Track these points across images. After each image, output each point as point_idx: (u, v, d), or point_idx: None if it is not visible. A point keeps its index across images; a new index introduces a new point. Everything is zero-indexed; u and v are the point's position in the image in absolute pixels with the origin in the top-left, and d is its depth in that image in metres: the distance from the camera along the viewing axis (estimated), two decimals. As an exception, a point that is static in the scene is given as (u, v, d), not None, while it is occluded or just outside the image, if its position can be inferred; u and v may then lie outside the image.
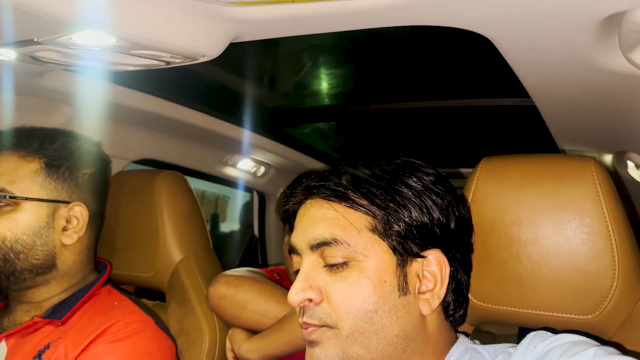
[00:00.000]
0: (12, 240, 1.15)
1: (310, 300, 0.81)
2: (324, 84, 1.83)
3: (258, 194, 2.74)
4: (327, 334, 0.80)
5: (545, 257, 0.94)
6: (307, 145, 2.45)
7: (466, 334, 0.93)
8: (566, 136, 1.53)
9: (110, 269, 1.31)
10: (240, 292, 1.32)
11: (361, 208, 0.80)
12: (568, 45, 0.86)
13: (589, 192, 0.91)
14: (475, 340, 0.89)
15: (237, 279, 1.35)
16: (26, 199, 1.17)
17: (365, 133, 2.37)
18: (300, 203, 0.88)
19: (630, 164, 1.55)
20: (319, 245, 0.81)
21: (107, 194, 1.36)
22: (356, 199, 0.81)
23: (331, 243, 0.80)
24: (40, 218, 1.18)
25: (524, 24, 0.81)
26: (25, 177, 1.18)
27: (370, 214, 0.80)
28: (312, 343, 0.81)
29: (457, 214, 0.86)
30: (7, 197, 1.15)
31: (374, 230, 0.80)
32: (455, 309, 0.87)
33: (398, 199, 0.81)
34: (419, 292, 0.82)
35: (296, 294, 0.81)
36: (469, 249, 0.92)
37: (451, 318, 0.87)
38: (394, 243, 0.80)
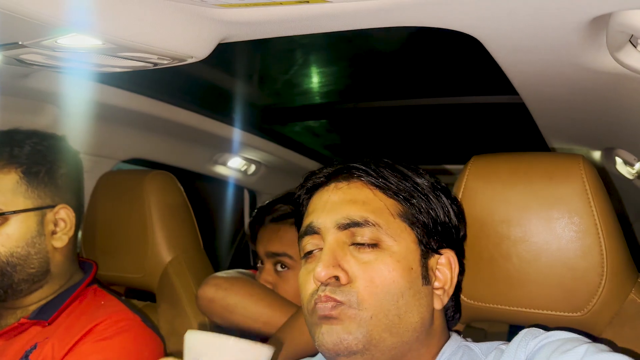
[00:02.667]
0: (7, 255, 1.15)
1: (337, 279, 0.79)
2: (314, 82, 1.82)
3: (249, 192, 2.73)
4: (349, 312, 0.78)
5: (534, 255, 0.94)
6: (297, 143, 2.44)
7: (459, 332, 0.94)
8: (555, 134, 1.54)
9: (96, 269, 1.31)
10: (229, 295, 1.30)
11: (392, 194, 0.83)
12: (556, 45, 0.86)
13: (578, 190, 0.92)
14: (467, 338, 0.90)
15: (226, 282, 1.33)
16: (14, 212, 1.15)
17: (356, 130, 2.38)
18: (320, 186, 0.88)
19: (618, 160, 1.56)
20: (348, 226, 0.81)
21: (83, 187, 1.35)
22: (386, 184, 0.84)
23: (362, 224, 0.81)
24: (31, 228, 1.18)
25: (512, 25, 0.81)
26: (7, 190, 1.17)
27: (401, 201, 0.84)
28: (331, 319, 0.78)
29: (465, 224, 0.93)
30: None
31: (404, 217, 0.83)
32: (454, 312, 0.92)
33: (424, 194, 0.85)
34: (433, 288, 0.85)
35: (325, 268, 0.79)
36: (464, 254, 0.97)
37: (449, 316, 0.91)
38: (420, 235, 0.84)
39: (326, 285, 0.79)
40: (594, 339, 0.91)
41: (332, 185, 0.86)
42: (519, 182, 0.97)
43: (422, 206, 0.85)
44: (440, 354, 0.85)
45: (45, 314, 1.17)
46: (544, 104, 1.25)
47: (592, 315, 0.92)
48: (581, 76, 0.99)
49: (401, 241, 0.81)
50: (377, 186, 0.84)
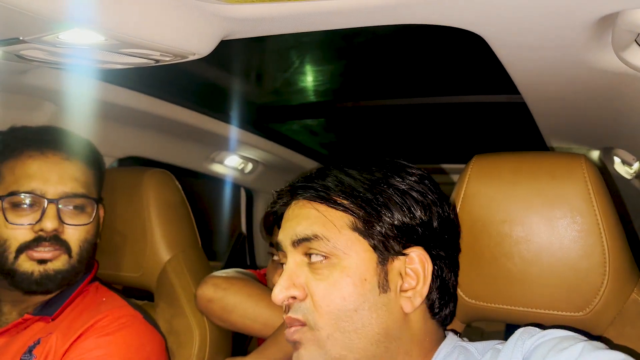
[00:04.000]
0: (87, 241, 1.23)
1: (295, 298, 0.82)
2: (312, 80, 1.82)
3: (246, 191, 2.72)
4: (308, 335, 0.80)
5: (536, 254, 0.94)
6: (295, 142, 2.43)
7: (456, 332, 0.94)
8: (554, 133, 1.54)
9: (97, 267, 1.32)
10: (228, 296, 1.30)
11: (342, 207, 0.82)
12: (561, 44, 0.86)
13: (580, 189, 0.92)
14: (464, 338, 0.89)
15: (225, 282, 1.32)
16: (99, 200, 1.29)
17: (355, 129, 2.37)
18: (287, 204, 0.90)
19: (616, 160, 1.56)
20: (300, 241, 0.83)
21: None
22: (338, 199, 0.83)
23: (311, 239, 0.82)
24: (97, 220, 1.28)
25: (518, 23, 0.81)
26: (92, 183, 1.27)
27: (351, 213, 0.82)
28: (296, 344, 0.82)
29: (440, 212, 0.87)
30: (93, 200, 1.25)
31: (354, 228, 0.82)
32: (441, 307, 0.87)
33: (380, 199, 0.82)
34: (402, 290, 0.82)
35: (280, 292, 0.82)
36: (454, 248, 0.92)
37: (437, 316, 0.87)
38: (375, 242, 0.81)
39: (287, 308, 0.83)
40: (595, 338, 0.92)
41: (293, 203, 0.88)
42: (520, 181, 0.97)
43: (377, 213, 0.82)
44: (435, 356, 0.84)
45: (50, 310, 1.18)
46: (545, 103, 1.25)
47: (594, 315, 0.92)
48: (584, 75, 0.99)
49: (352, 253, 0.81)
50: (324, 203, 0.84)
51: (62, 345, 1.12)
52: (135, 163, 1.91)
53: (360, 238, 0.82)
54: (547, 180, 0.95)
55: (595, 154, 1.64)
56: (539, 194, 0.95)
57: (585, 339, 0.72)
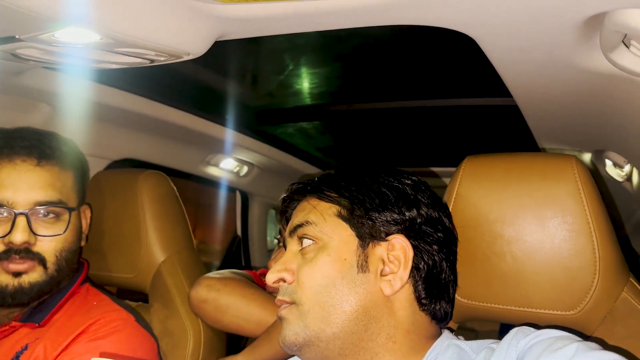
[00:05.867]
0: (65, 250, 1.18)
1: (284, 281, 0.88)
2: (307, 83, 1.82)
3: (241, 194, 2.72)
4: (293, 310, 0.85)
5: (528, 254, 0.95)
6: (290, 145, 2.44)
7: (452, 330, 0.94)
8: (546, 135, 1.55)
9: (87, 268, 1.31)
10: (222, 296, 1.30)
11: (329, 198, 0.90)
12: (551, 45, 0.87)
13: (571, 190, 0.93)
14: (459, 337, 0.90)
15: (219, 282, 1.33)
16: (73, 209, 1.21)
17: (349, 132, 2.38)
18: (294, 208, 0.97)
19: (608, 162, 1.58)
20: (295, 229, 0.90)
21: None
22: (326, 192, 0.91)
23: (303, 225, 0.89)
24: (78, 225, 1.23)
25: (508, 25, 0.82)
26: (69, 188, 1.21)
27: (337, 202, 0.89)
28: (283, 320, 0.86)
29: (427, 210, 0.90)
30: (68, 208, 1.18)
31: (339, 215, 0.88)
32: (430, 299, 0.87)
33: (364, 190, 0.89)
34: (382, 275, 0.85)
35: (272, 274, 0.88)
36: (448, 246, 0.91)
37: (426, 309, 0.87)
38: (356, 227, 0.87)
39: (279, 290, 0.90)
40: (586, 337, 0.92)
41: (293, 204, 0.98)
42: (512, 182, 0.97)
43: (360, 201, 0.88)
44: (428, 352, 0.84)
45: (38, 317, 1.16)
46: (537, 105, 1.26)
47: (585, 314, 0.93)
48: (574, 77, 1.01)
49: (335, 236, 0.87)
50: (316, 197, 0.92)
51: (53, 351, 1.10)
52: (131, 165, 1.91)
53: (343, 224, 0.88)
54: (539, 181, 0.96)
55: (587, 157, 1.65)
56: (531, 194, 0.96)
57: (580, 339, 0.72)
